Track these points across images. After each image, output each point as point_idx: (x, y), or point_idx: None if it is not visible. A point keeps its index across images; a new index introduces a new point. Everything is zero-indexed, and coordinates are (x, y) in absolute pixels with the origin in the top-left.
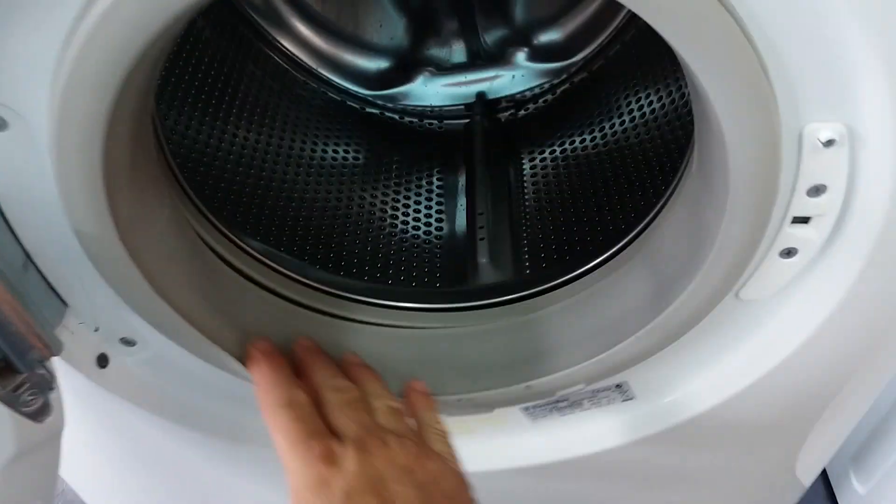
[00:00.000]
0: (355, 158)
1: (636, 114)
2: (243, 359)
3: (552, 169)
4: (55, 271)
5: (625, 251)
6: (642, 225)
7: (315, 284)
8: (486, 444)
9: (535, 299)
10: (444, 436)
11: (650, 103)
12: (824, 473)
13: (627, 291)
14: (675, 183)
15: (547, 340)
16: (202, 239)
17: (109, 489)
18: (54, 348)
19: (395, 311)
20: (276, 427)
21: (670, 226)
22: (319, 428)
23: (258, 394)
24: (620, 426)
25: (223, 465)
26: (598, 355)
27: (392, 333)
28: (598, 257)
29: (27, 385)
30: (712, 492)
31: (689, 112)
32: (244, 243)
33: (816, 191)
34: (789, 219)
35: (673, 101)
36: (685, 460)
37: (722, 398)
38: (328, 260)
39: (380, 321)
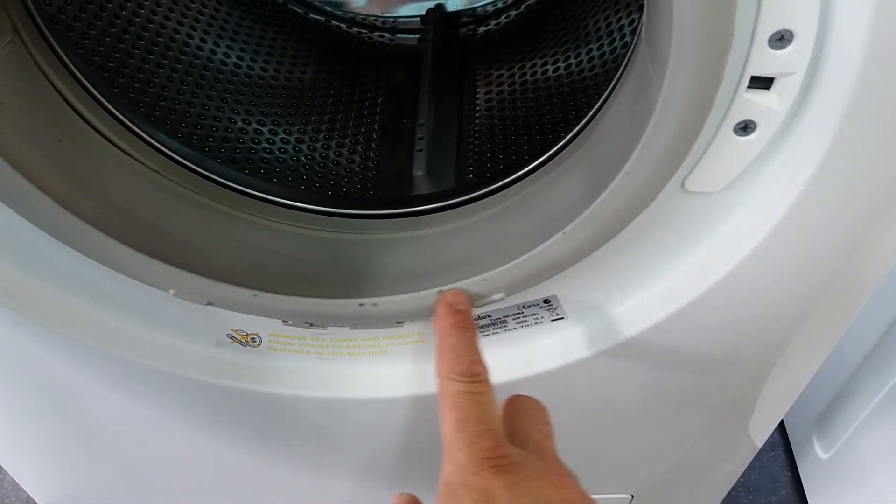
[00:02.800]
0: (289, 73)
1: (604, 41)
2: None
3: (508, 94)
4: None
5: (565, 150)
6: (586, 120)
7: (213, 176)
8: (400, 369)
9: (466, 206)
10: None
11: (620, 28)
12: (785, 438)
13: (561, 189)
14: (621, 70)
15: (471, 248)
16: (63, 97)
17: None
18: None
19: (306, 213)
20: (449, 408)
21: (613, 112)
22: (500, 437)
23: (437, 356)
24: (549, 349)
25: (83, 371)
26: (520, 257)
27: (301, 233)
28: (536, 159)
29: None
30: (650, 431)
31: None
32: (122, 115)
33: (781, 39)
34: (746, 80)
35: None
36: (619, 391)
37: (660, 317)
38: (235, 167)
39: (288, 222)
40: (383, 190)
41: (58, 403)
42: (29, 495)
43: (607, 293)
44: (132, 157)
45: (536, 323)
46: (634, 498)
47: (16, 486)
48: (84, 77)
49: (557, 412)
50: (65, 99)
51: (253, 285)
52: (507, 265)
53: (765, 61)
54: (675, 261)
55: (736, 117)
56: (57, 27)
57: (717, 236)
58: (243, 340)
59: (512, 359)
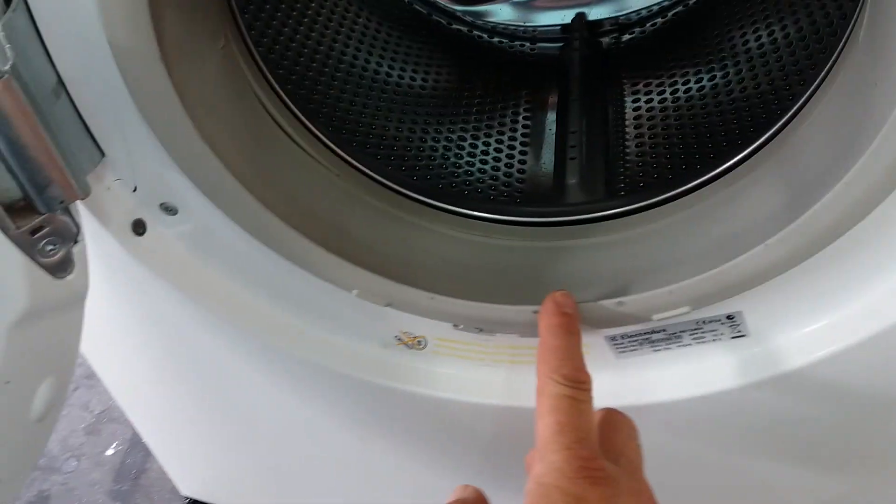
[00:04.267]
0: (435, 82)
1: (754, 55)
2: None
3: (658, 104)
4: (92, 110)
5: (746, 162)
6: (771, 132)
7: (384, 181)
8: None
9: (631, 216)
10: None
11: (786, 36)
12: None
13: (750, 203)
14: (817, 82)
15: (648, 258)
16: (259, 100)
17: (125, 367)
18: (80, 191)
19: (470, 220)
20: (549, 409)
21: (814, 122)
22: (596, 449)
23: (539, 353)
24: (725, 368)
25: (253, 366)
26: (711, 270)
27: (466, 240)
28: (711, 171)
29: (46, 230)
30: (788, 474)
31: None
32: (309, 121)
33: None
34: None
35: (807, 36)
36: (799, 416)
37: (854, 340)
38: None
39: (453, 230)
40: (532, 197)
41: (226, 399)
42: (174, 485)
43: (797, 311)
44: (316, 159)
45: (714, 340)
46: None
47: (162, 476)
48: (277, 84)
49: (713, 437)
50: (263, 105)
51: (428, 288)
52: (698, 277)
53: None
54: (877, 280)
55: None
56: (252, 34)
57: None
58: (409, 343)
59: (685, 376)
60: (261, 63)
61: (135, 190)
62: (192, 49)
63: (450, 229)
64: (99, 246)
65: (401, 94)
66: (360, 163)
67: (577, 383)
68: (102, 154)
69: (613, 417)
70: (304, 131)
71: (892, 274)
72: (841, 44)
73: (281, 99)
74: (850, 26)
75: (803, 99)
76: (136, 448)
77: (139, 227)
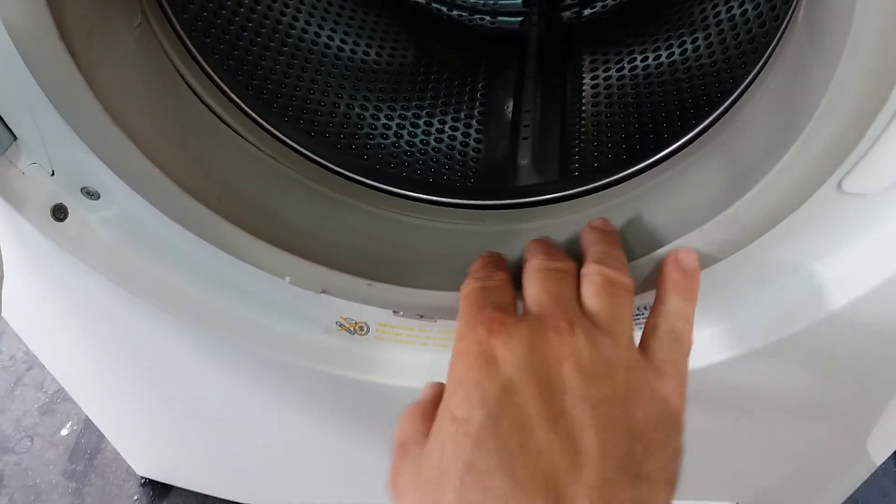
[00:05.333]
0: (390, 57)
1: (724, 28)
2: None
3: (616, 81)
4: None
5: (694, 142)
6: (720, 110)
7: (323, 162)
8: None
9: (581, 198)
10: (679, 352)
11: (744, 14)
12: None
13: (694, 183)
14: (763, 60)
15: None
16: (183, 78)
17: (64, 353)
18: None
19: (415, 202)
20: (460, 301)
21: (757, 102)
22: (502, 300)
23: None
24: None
25: (191, 353)
26: (650, 253)
27: (410, 224)
28: (659, 152)
29: None
30: (766, 439)
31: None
32: (243, 100)
33: None
34: None
35: (764, 13)
36: (743, 397)
37: (799, 326)
38: (340, 152)
39: (397, 214)
40: (485, 178)
41: (167, 382)
42: (129, 465)
43: (740, 296)
44: (248, 141)
45: None
46: None
47: (117, 457)
48: (202, 59)
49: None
50: (187, 83)
51: (366, 275)
52: (635, 261)
53: None
54: (819, 266)
55: None
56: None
57: (869, 242)
58: (351, 329)
59: None
60: (185, 38)
61: (52, 174)
62: (101, 28)
63: (394, 213)
64: (21, 231)
65: (352, 70)
66: (299, 144)
67: (482, 269)
68: (14, 137)
69: (529, 264)
70: (238, 113)
71: (827, 263)
72: (786, 21)
73: (208, 76)
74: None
75: (752, 77)
76: (91, 428)
77: (59, 213)
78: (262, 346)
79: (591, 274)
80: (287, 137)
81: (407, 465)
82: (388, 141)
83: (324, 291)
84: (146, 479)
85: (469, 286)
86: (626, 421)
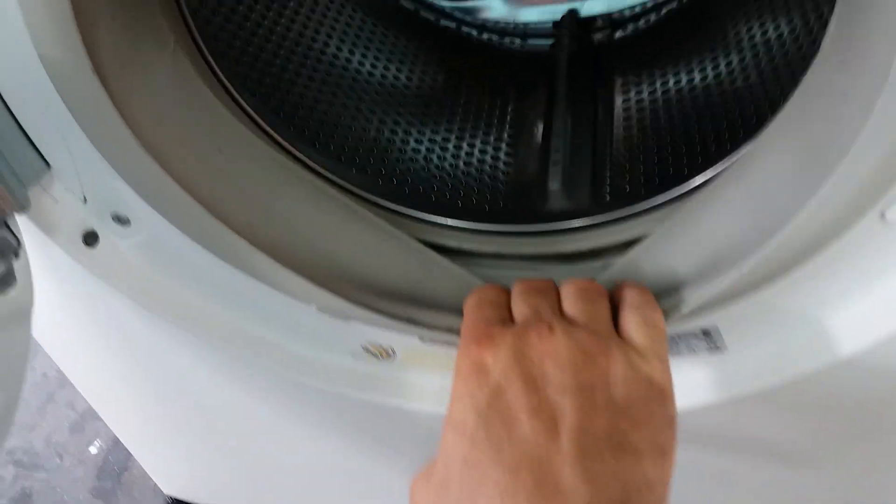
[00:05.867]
0: (420, 80)
1: (759, 48)
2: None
3: (649, 104)
4: (33, 121)
5: (724, 171)
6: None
7: (352, 188)
8: None
9: (610, 226)
10: (653, 335)
11: (779, 36)
12: None
13: (722, 217)
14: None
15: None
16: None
17: (94, 374)
18: (18, 204)
19: (444, 229)
20: (463, 310)
21: (784, 130)
22: (493, 316)
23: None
24: (702, 382)
25: (220, 376)
26: (678, 295)
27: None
28: (693, 177)
29: None
30: (807, 474)
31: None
32: (270, 127)
33: None
34: None
35: (800, 34)
36: (778, 432)
37: (838, 357)
38: (369, 177)
39: (426, 237)
40: (514, 202)
41: (193, 403)
42: (156, 484)
43: (772, 330)
44: (288, 168)
45: (690, 353)
46: None
47: (144, 475)
48: (232, 86)
49: (703, 444)
50: (225, 109)
51: (391, 301)
52: (670, 300)
53: None
54: (856, 297)
55: None
56: (206, 31)
57: None
58: (379, 354)
59: None
60: (215, 66)
61: (84, 201)
62: (133, 58)
63: (422, 237)
64: (52, 258)
65: (382, 94)
66: (329, 170)
67: (479, 291)
68: (48, 165)
69: (515, 288)
70: (269, 138)
71: (861, 297)
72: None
73: (237, 103)
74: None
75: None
76: (119, 447)
77: (91, 238)
78: (288, 369)
79: (567, 286)
80: (318, 164)
81: (421, 478)
82: (418, 165)
83: (348, 319)
84: (172, 498)
85: (469, 297)
86: (609, 401)
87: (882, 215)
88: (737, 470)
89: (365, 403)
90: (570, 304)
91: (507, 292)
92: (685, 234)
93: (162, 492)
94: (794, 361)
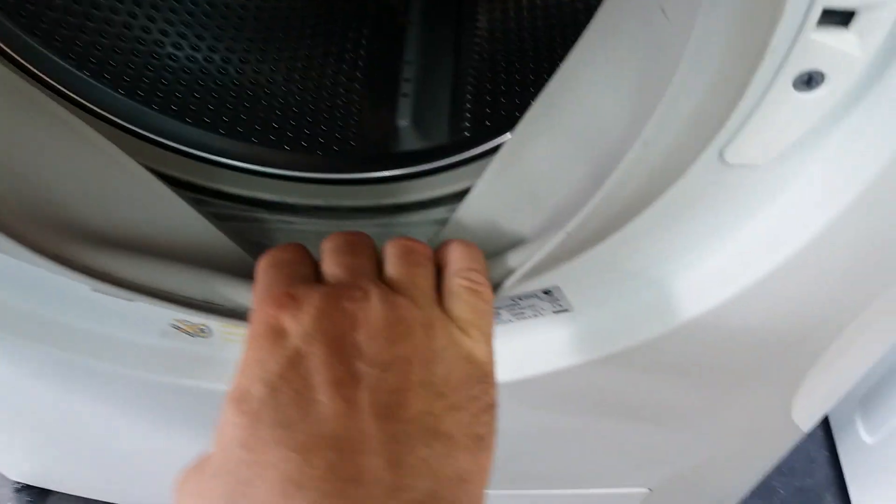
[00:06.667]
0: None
1: None
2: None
3: (514, 19)
4: None
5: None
6: None
7: (162, 140)
8: None
9: (459, 168)
10: (479, 309)
11: None
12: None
13: (550, 158)
14: None
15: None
16: None
17: None
18: None
19: (271, 179)
20: (255, 275)
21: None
22: (295, 275)
23: None
24: (554, 344)
25: (22, 364)
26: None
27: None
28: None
29: None
30: (677, 431)
31: None
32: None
33: None
34: (816, 14)
35: None
36: (640, 389)
37: (691, 314)
38: (189, 114)
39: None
40: (365, 142)
41: (18, 394)
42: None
43: (621, 282)
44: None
45: (536, 315)
46: (653, 491)
47: None
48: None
49: (566, 406)
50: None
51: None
52: (498, 261)
53: None
54: (704, 249)
55: (797, 66)
56: None
57: (760, 221)
58: (190, 331)
59: (513, 354)
60: None
61: None
62: None
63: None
64: None
65: (214, 15)
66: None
67: (274, 251)
68: None
69: (325, 244)
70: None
71: (709, 249)
72: None
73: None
74: None
75: None
76: None
77: None
78: (85, 355)
79: (389, 246)
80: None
81: (192, 475)
82: (258, 96)
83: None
84: (22, 484)
85: (263, 258)
86: (425, 380)
87: (721, 156)
88: (592, 427)
89: (180, 387)
90: (391, 266)
91: (310, 254)
92: (515, 181)
93: (8, 479)
94: (638, 324)
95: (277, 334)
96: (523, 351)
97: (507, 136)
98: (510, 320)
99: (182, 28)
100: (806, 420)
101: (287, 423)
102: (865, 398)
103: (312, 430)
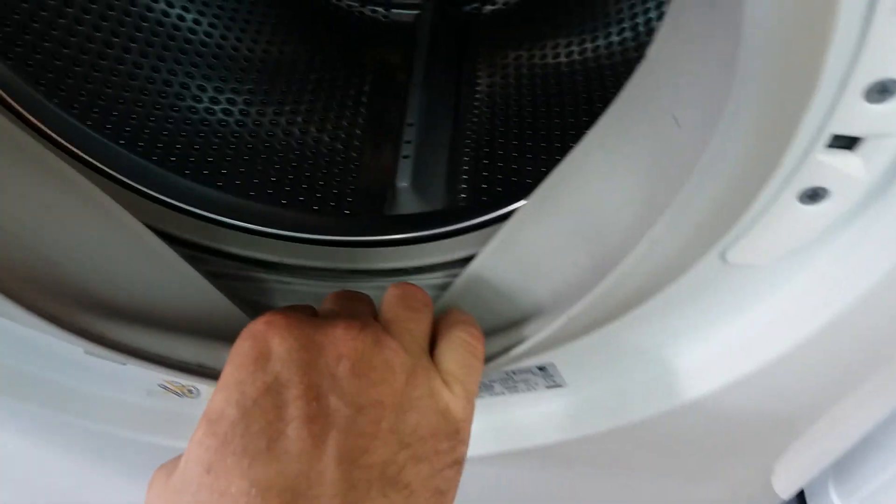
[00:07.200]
0: (265, 52)
1: (639, 25)
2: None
3: (514, 85)
4: None
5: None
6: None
7: (160, 196)
8: None
9: (460, 237)
10: (467, 365)
11: (646, 11)
12: None
13: (555, 241)
14: None
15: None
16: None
17: None
18: None
19: (269, 239)
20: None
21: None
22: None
23: None
24: (544, 420)
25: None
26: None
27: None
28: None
29: None
30: (662, 490)
31: None
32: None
33: (882, 91)
34: (825, 138)
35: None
36: (626, 463)
37: (683, 398)
38: (188, 166)
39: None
40: (363, 200)
41: None
42: None
43: (615, 362)
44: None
45: (528, 389)
46: None
47: None
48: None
49: (550, 472)
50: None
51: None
52: (493, 337)
53: (856, 117)
54: (700, 338)
55: (804, 182)
56: None
57: (756, 315)
58: (178, 391)
59: (502, 427)
60: None
61: None
62: None
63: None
64: None
65: (220, 60)
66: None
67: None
68: None
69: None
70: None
71: (708, 337)
72: None
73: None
74: None
75: None
76: None
77: None
78: (66, 413)
79: (392, 288)
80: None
81: (163, 471)
82: (251, 148)
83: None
84: None
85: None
86: (394, 427)
87: (722, 256)
88: (570, 490)
89: (164, 447)
90: (388, 308)
91: (313, 309)
92: (515, 261)
93: None
94: (630, 404)
95: (262, 356)
96: (514, 424)
97: (510, 207)
98: (503, 392)
99: (185, 79)
100: (785, 489)
101: (253, 453)
102: (839, 464)
103: (274, 467)
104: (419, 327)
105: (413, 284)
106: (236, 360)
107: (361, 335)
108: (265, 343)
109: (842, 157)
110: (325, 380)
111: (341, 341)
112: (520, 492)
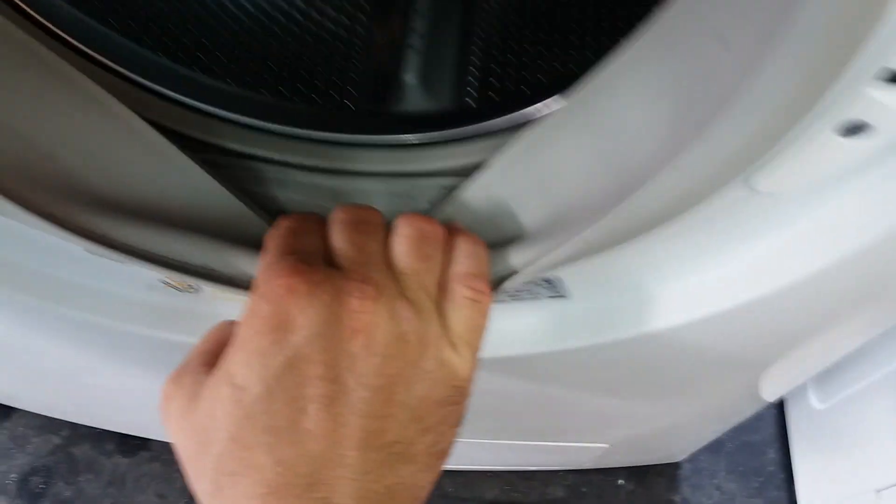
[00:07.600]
0: None
1: None
2: None
3: None
4: None
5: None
6: None
7: (154, 86)
8: None
9: (465, 143)
10: (474, 321)
11: None
12: None
13: (572, 158)
14: None
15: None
16: None
17: None
18: None
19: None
20: (266, 239)
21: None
22: (309, 246)
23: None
24: (541, 328)
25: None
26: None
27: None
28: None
29: None
30: (643, 406)
31: None
32: None
33: None
34: (878, 71)
35: None
36: (620, 375)
37: (685, 318)
38: (178, 48)
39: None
40: (365, 94)
41: None
42: None
43: (622, 279)
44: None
45: (532, 298)
46: (612, 446)
47: None
48: None
49: (547, 380)
50: None
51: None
52: (500, 256)
53: None
54: (712, 261)
55: (845, 115)
56: None
57: (771, 243)
58: (179, 287)
59: (500, 333)
60: None
61: None
62: None
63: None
64: None
65: None
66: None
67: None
68: None
69: (334, 216)
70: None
71: (725, 258)
72: None
73: None
74: None
75: None
76: None
77: None
78: (66, 306)
79: (402, 226)
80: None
81: (179, 395)
82: (254, 32)
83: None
84: None
85: (279, 223)
86: (404, 402)
87: (747, 182)
88: (567, 398)
89: (163, 340)
90: (401, 253)
91: (323, 224)
92: (531, 173)
93: None
94: (632, 320)
95: (283, 326)
96: (513, 331)
97: (536, 107)
98: (505, 299)
99: None
100: (772, 393)
101: (276, 430)
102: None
103: (295, 444)
104: (432, 278)
105: (424, 218)
106: (256, 324)
107: (375, 307)
108: (286, 311)
109: (889, 92)
110: (342, 358)
111: (359, 313)
112: (512, 391)
